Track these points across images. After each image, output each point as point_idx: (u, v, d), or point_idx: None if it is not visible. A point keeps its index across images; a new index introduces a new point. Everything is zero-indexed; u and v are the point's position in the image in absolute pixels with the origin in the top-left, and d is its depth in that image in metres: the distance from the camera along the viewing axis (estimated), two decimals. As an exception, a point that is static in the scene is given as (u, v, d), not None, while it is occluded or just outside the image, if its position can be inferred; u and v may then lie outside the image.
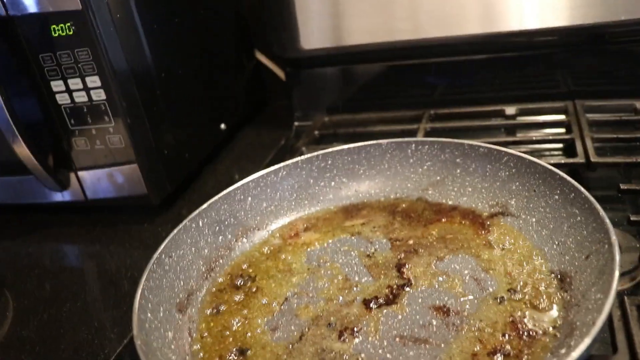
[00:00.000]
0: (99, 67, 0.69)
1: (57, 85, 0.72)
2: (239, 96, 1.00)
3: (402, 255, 0.56)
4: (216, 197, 0.60)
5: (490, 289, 0.50)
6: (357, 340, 0.47)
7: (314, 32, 0.87)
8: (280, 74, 1.02)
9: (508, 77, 0.83)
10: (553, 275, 0.49)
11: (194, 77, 0.86)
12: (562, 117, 0.77)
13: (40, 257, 0.76)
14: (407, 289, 0.51)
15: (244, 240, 0.62)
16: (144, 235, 0.77)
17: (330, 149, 0.65)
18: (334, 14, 0.85)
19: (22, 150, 0.71)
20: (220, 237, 0.60)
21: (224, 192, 0.61)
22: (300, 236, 0.62)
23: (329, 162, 0.65)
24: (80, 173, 0.78)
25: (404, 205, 0.63)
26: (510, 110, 0.81)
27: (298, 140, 0.88)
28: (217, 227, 0.60)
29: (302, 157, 0.65)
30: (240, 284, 0.56)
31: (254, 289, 0.55)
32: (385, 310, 0.49)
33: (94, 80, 0.70)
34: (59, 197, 0.80)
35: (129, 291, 0.64)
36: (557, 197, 0.53)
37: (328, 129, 0.88)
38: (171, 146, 0.80)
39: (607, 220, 0.46)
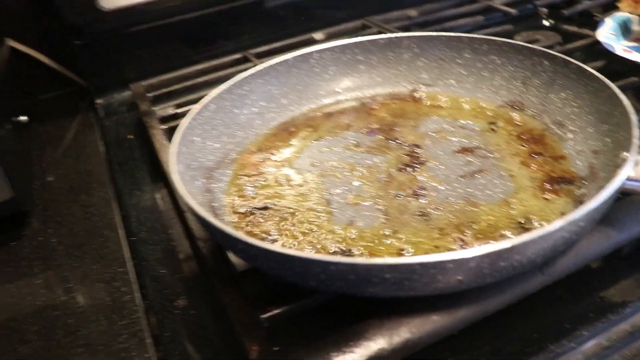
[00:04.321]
0: None
1: None
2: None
3: (380, 134, 0.59)
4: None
5: (476, 128, 0.58)
6: (424, 198, 0.49)
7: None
8: (46, 60, 0.87)
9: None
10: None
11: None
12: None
13: None
14: (418, 149, 0.55)
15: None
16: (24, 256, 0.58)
17: (244, 74, 0.62)
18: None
19: None
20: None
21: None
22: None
23: (246, 88, 0.62)
24: None
25: (329, 109, 0.65)
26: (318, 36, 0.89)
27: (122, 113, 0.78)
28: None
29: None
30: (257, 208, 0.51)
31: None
32: (422, 168, 0.53)
33: None
34: None
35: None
36: (467, 55, 0.64)
37: (160, 89, 0.80)
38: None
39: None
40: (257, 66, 0.63)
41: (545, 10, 0.90)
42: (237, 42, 0.89)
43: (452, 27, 0.86)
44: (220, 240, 0.42)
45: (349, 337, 0.39)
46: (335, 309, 0.42)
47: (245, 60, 0.84)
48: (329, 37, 0.89)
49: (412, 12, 0.93)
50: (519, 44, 0.60)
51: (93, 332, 0.48)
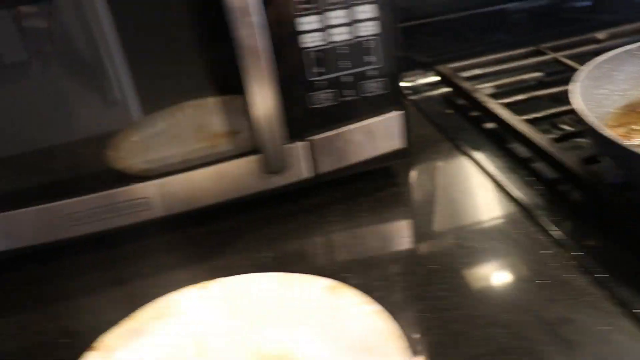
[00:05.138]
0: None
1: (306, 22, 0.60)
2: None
3: None
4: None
5: None
6: None
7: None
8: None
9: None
10: None
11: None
12: None
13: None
14: None
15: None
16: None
17: (597, 61, 0.71)
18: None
19: (266, 111, 0.60)
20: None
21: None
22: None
23: (598, 73, 0.70)
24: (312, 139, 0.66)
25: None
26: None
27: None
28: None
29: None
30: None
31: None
32: None
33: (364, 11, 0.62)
34: (274, 180, 0.67)
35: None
36: None
37: (465, 72, 0.91)
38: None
39: None
40: (604, 55, 0.72)
41: None
42: (524, 36, 0.98)
43: None
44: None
45: None
46: None
47: (538, 52, 0.93)
48: (611, 37, 0.96)
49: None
50: None
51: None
